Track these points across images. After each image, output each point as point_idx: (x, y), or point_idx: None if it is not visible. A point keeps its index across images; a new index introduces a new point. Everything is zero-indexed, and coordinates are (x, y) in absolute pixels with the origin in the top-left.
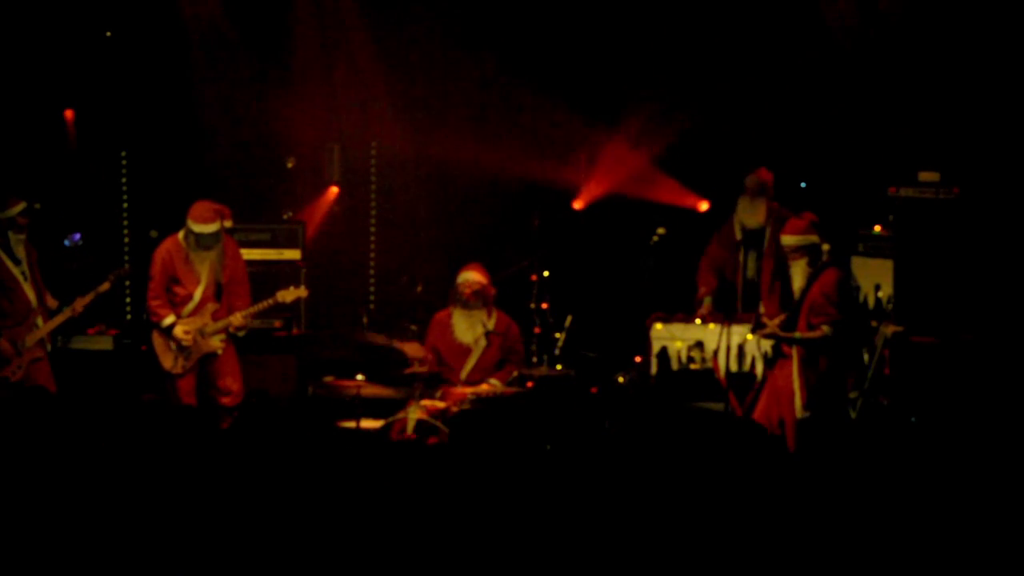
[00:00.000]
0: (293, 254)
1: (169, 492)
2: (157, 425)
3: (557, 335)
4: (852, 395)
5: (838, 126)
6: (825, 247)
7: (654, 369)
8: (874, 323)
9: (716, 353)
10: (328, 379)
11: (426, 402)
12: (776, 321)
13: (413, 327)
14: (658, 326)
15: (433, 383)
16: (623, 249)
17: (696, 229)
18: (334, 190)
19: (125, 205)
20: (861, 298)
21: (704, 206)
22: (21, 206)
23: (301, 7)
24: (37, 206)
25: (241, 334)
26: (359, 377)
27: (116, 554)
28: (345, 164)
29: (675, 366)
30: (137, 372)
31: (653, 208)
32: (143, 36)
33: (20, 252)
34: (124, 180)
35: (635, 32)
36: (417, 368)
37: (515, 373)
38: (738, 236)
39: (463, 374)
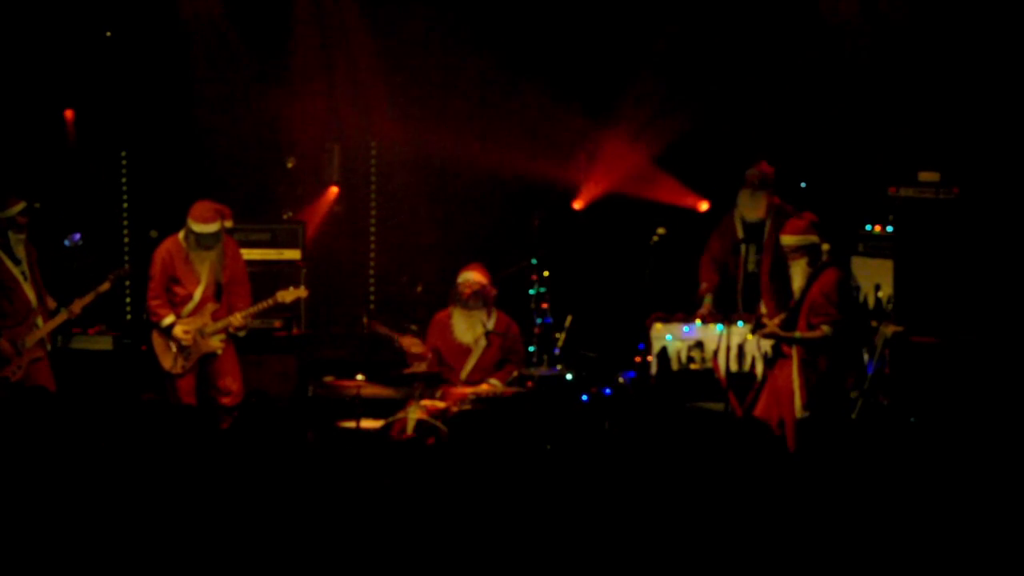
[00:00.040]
0: (293, 254)
1: (169, 492)
2: (157, 425)
3: (557, 335)
4: (852, 395)
5: (838, 125)
6: (825, 247)
7: (654, 369)
8: (874, 323)
9: (716, 353)
10: (328, 379)
11: (426, 402)
12: (776, 321)
13: (413, 327)
14: (658, 326)
15: (433, 383)
16: (623, 249)
17: (696, 229)
18: (334, 190)
19: (125, 205)
20: (861, 298)
21: (704, 206)
22: (21, 206)
23: (301, 7)
24: (37, 206)
25: (241, 334)
26: (359, 377)
27: (116, 554)
28: (345, 164)
29: (675, 366)
30: (137, 372)
31: (653, 208)
32: (143, 36)
33: (20, 252)
34: (124, 180)
35: (635, 32)
36: (417, 367)
37: (515, 373)
38: (740, 234)
39: (463, 374)
